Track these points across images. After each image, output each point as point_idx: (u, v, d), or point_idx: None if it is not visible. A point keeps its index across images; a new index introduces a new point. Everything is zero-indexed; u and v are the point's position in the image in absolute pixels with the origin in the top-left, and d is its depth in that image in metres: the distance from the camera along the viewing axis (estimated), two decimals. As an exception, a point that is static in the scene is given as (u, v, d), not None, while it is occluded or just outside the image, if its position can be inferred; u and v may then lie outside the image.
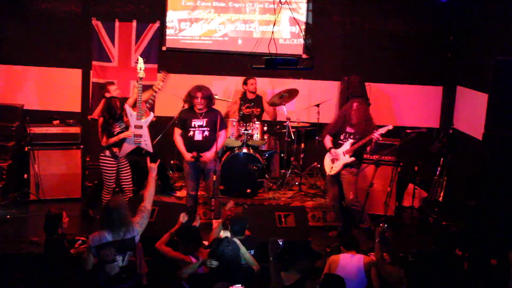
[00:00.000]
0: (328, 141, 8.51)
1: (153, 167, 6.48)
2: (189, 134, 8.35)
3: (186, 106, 9.77)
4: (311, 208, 9.20)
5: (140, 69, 8.15)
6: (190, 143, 8.38)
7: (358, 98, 8.87)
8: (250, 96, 10.23)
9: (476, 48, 10.04)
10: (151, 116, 8.35)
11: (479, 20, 10.00)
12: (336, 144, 8.44)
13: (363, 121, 8.34)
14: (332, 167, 8.46)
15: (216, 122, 8.33)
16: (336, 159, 8.38)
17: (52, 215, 6.38)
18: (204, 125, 8.31)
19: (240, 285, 5.38)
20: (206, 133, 8.30)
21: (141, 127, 8.23)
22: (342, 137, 8.44)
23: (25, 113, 10.17)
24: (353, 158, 8.36)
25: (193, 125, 8.33)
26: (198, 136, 8.29)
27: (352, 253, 6.48)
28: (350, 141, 8.36)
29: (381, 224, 6.68)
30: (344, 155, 8.34)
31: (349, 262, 6.35)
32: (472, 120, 9.77)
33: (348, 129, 8.39)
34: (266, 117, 10.47)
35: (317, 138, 10.08)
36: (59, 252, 6.26)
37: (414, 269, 5.77)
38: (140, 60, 8.18)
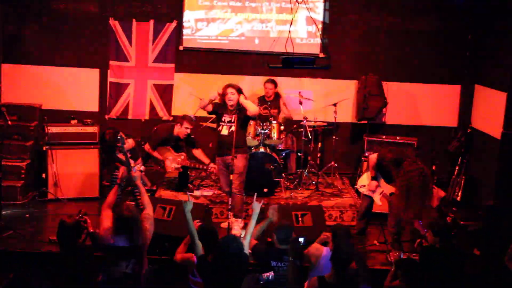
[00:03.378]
0: (371, 169, 8.23)
1: (136, 175, 6.46)
2: (218, 129, 8.38)
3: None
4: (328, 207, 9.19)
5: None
6: (218, 138, 8.41)
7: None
8: (268, 97, 10.25)
9: (494, 46, 9.97)
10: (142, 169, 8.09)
11: (497, 19, 9.92)
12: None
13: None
14: (364, 185, 8.35)
15: (245, 119, 8.35)
16: (373, 191, 8.27)
17: (67, 226, 6.13)
18: (233, 121, 8.27)
19: (272, 272, 5.37)
20: (233, 128, 8.25)
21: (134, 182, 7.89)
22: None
23: (43, 112, 10.23)
24: (380, 203, 8.33)
25: (223, 120, 8.33)
26: (224, 131, 8.26)
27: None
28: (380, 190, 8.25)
29: None
30: (379, 193, 8.26)
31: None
32: (491, 119, 9.70)
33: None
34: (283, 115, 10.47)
35: (334, 137, 10.06)
36: (80, 258, 6.25)
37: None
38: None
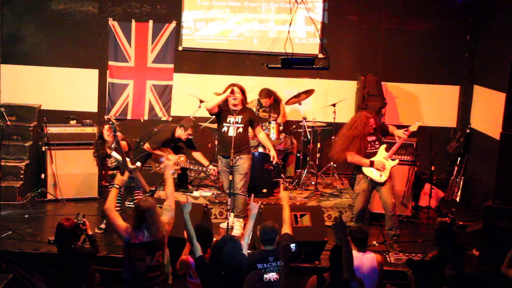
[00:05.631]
0: (358, 157, 8.20)
1: (168, 164, 6.43)
2: (223, 130, 8.37)
3: (201, 106, 9.86)
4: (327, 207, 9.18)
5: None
6: (223, 139, 8.39)
7: (365, 112, 8.71)
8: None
9: (493, 47, 9.97)
10: (138, 166, 8.14)
11: (496, 19, 9.93)
12: (367, 156, 8.26)
13: (378, 126, 8.42)
14: (381, 175, 8.23)
15: (250, 120, 8.42)
16: (383, 168, 8.28)
17: (65, 228, 6.21)
18: (239, 122, 8.32)
19: (275, 273, 5.31)
20: (240, 130, 8.31)
21: (131, 172, 8.00)
22: (369, 147, 8.31)
23: (43, 113, 10.24)
24: (397, 160, 8.36)
25: (228, 121, 8.33)
26: (231, 132, 8.26)
27: (362, 252, 6.25)
28: (383, 145, 8.31)
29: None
30: (387, 160, 8.28)
31: (361, 262, 6.17)
32: (490, 119, 9.71)
33: (370, 138, 8.32)
34: (283, 119, 10.47)
35: (333, 137, 10.05)
36: (80, 261, 6.24)
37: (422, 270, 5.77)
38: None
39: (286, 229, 6.18)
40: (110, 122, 7.33)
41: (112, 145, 8.34)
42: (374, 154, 8.26)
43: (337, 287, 5.12)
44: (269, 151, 8.75)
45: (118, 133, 7.38)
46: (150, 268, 5.83)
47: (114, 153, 7.78)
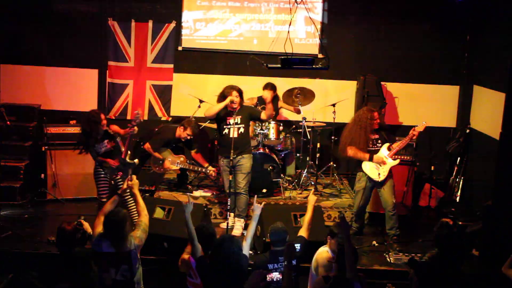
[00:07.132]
0: (358, 151, 8.29)
1: (134, 183, 6.32)
2: (224, 132, 8.37)
3: (201, 106, 9.87)
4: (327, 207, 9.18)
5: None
6: (225, 141, 8.36)
7: (368, 106, 8.83)
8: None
9: (493, 47, 9.97)
10: (135, 162, 8.15)
11: (496, 19, 9.93)
12: (369, 152, 8.35)
13: (383, 125, 8.46)
14: (379, 174, 8.32)
15: (250, 116, 8.49)
16: (383, 163, 8.32)
17: (66, 232, 6.03)
18: (239, 122, 8.33)
19: (277, 273, 5.29)
20: (241, 130, 8.34)
21: (124, 165, 7.95)
22: (370, 145, 8.37)
23: (42, 113, 10.24)
24: (398, 160, 8.38)
25: (228, 123, 8.34)
26: (234, 133, 8.26)
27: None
28: (386, 144, 8.35)
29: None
30: (388, 159, 8.31)
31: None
32: (489, 119, 9.70)
33: (372, 136, 8.36)
34: (281, 117, 10.46)
35: (332, 138, 10.06)
36: (80, 261, 6.21)
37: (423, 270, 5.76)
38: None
39: (302, 232, 6.32)
40: (136, 112, 7.37)
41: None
42: (376, 152, 8.31)
43: (339, 287, 5.13)
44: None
45: (136, 127, 7.42)
46: (116, 283, 5.69)
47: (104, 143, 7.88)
